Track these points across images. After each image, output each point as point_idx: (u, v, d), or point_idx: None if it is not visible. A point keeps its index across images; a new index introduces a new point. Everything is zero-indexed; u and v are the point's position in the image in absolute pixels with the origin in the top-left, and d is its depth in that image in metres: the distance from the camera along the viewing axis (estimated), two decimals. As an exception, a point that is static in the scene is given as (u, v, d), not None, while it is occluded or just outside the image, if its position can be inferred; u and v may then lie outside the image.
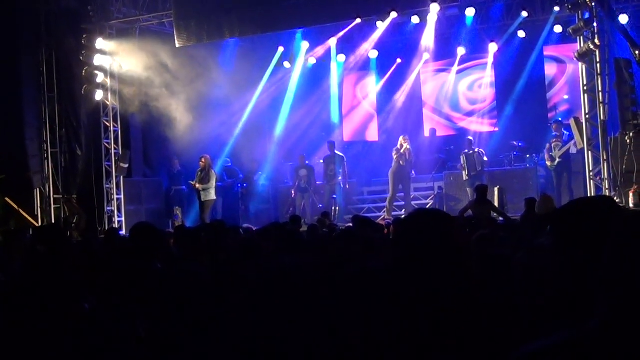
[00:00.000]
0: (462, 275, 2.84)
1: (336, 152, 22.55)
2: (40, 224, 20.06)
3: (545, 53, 23.47)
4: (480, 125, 24.47)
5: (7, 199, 20.35)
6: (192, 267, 5.48)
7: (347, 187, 22.56)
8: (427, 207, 21.91)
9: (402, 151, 21.01)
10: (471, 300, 2.80)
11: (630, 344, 1.90)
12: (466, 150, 21.26)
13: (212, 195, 20.45)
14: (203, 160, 20.59)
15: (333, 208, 21.53)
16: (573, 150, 19.61)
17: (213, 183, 20.54)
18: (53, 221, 20.71)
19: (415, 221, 3.06)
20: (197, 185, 20.29)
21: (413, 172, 21.62)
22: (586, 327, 2.01)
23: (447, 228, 2.97)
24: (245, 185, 23.57)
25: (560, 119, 21.03)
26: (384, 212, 21.67)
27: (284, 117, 24.74)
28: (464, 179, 21.01)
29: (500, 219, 15.03)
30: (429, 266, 2.84)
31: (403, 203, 21.61)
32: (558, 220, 2.24)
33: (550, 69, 23.76)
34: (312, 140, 24.33)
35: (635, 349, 1.89)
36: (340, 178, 22.16)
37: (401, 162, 21.06)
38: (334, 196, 22.11)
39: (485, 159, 21.16)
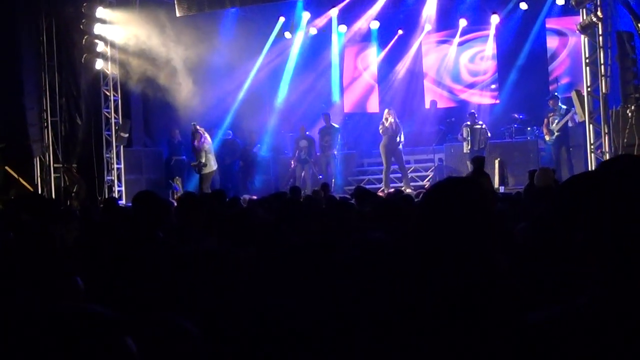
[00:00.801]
0: (490, 245, 2.80)
1: (332, 123, 22.57)
2: (40, 193, 20.04)
3: (547, 25, 23.42)
4: (481, 98, 24.48)
5: (7, 167, 20.33)
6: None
7: (338, 158, 22.66)
8: (427, 179, 22.01)
9: (386, 125, 20.90)
10: (495, 272, 2.77)
11: (618, 317, 1.98)
12: (468, 123, 21.09)
13: (211, 166, 20.46)
14: (192, 129, 20.69)
15: (332, 180, 21.55)
16: (571, 124, 19.59)
17: (206, 154, 20.54)
18: (53, 190, 20.71)
19: (447, 189, 2.96)
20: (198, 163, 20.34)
21: (401, 144, 21.29)
22: (578, 302, 2.06)
23: (478, 196, 2.90)
24: (242, 157, 23.56)
25: (556, 94, 20.96)
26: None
27: (285, 88, 24.76)
28: (465, 151, 20.91)
29: (501, 190, 15.04)
30: (458, 234, 2.77)
31: (400, 175, 21.54)
32: (559, 195, 2.18)
33: (552, 42, 23.68)
34: (313, 111, 24.26)
35: (622, 322, 1.97)
36: (335, 150, 22.20)
37: (387, 136, 20.96)
38: (329, 167, 22.13)
39: (489, 134, 21.08)
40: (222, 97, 23.02)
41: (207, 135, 20.98)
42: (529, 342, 2.07)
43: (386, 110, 21.22)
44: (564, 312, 2.07)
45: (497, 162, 19.45)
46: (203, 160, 20.40)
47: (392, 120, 20.84)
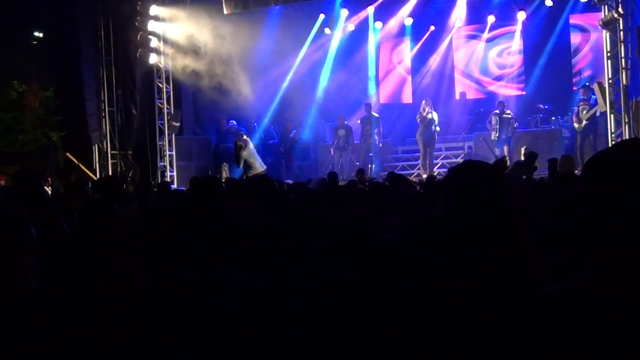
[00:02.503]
0: (512, 226, 2.84)
1: (372, 113, 22.56)
2: (97, 177, 20.29)
3: (571, 21, 23.21)
4: (508, 89, 24.29)
5: (68, 154, 20.64)
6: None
7: (381, 145, 22.51)
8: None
9: (424, 114, 20.94)
10: (520, 252, 2.79)
11: (614, 294, 1.96)
12: (497, 112, 20.90)
13: (257, 169, 20.14)
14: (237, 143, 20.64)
15: (369, 165, 21.56)
16: (597, 113, 19.46)
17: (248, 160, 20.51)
18: (110, 174, 20.95)
19: (466, 171, 2.99)
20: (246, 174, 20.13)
21: (436, 134, 21.35)
22: (577, 277, 2.06)
23: (499, 178, 2.95)
24: (280, 142, 23.68)
25: (587, 84, 20.76)
26: (417, 168, 21.79)
27: (324, 80, 24.72)
28: (493, 138, 20.83)
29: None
30: (481, 215, 2.81)
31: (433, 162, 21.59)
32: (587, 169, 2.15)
33: (575, 37, 23.48)
34: (350, 102, 24.28)
35: (619, 299, 1.95)
36: (375, 137, 22.16)
37: (423, 125, 21.00)
38: (370, 154, 22.13)
39: (516, 125, 20.99)
40: (266, 88, 23.12)
41: (249, 140, 21.07)
42: (540, 314, 2.08)
43: (424, 102, 21.20)
44: (568, 287, 2.07)
45: (523, 149, 19.38)
46: (250, 172, 20.06)
47: (429, 110, 20.87)
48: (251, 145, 20.87)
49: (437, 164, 21.60)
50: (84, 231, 4.50)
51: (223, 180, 16.54)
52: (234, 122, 22.86)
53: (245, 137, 21.15)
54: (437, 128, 21.09)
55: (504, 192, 2.93)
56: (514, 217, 2.87)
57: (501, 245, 2.77)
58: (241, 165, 20.28)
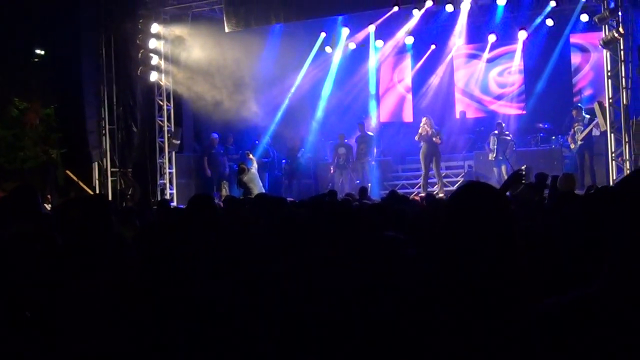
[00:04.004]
0: (514, 247, 2.86)
1: (367, 132, 22.77)
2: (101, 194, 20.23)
3: (571, 41, 23.23)
4: (508, 108, 24.30)
5: (67, 171, 20.60)
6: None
7: (374, 164, 22.71)
8: (458, 184, 21.89)
9: (422, 132, 20.84)
10: (519, 271, 2.82)
11: (627, 303, 2.00)
12: (496, 132, 21.05)
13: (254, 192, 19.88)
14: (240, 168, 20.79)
15: (369, 185, 21.51)
16: (596, 133, 19.44)
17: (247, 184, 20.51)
18: (110, 193, 20.93)
19: (469, 194, 3.02)
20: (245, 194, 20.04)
21: (438, 145, 21.22)
22: (591, 288, 2.09)
23: (501, 201, 2.98)
24: (287, 161, 23.66)
25: (579, 105, 20.80)
26: (418, 187, 21.76)
27: (325, 98, 24.74)
28: (490, 159, 20.94)
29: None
30: (481, 239, 2.83)
31: (435, 180, 21.49)
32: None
33: (576, 56, 23.52)
34: (351, 120, 24.18)
35: (631, 308, 1.99)
36: (370, 157, 22.37)
37: (424, 143, 20.93)
38: (367, 173, 22.22)
39: (514, 146, 21.07)
40: (267, 106, 23.18)
41: (254, 160, 21.13)
42: (544, 327, 2.11)
43: (424, 119, 21.14)
44: (575, 299, 2.10)
45: (523, 168, 19.34)
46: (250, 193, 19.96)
47: (428, 128, 20.78)
48: (254, 169, 20.87)
49: (435, 183, 21.42)
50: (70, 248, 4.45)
51: (222, 199, 16.56)
52: (216, 135, 22.87)
53: (250, 156, 21.20)
54: (437, 140, 20.90)
55: (506, 214, 2.93)
56: (515, 237, 2.89)
57: (501, 263, 2.79)
58: (240, 188, 20.34)
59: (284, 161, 23.71)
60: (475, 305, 2.71)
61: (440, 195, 18.44)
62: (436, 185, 21.12)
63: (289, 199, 14.85)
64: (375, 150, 22.92)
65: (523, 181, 9.79)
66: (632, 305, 1.99)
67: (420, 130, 20.84)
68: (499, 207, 2.93)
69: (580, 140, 19.68)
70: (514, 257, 2.83)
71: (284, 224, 5.65)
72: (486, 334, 2.65)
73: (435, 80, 25.13)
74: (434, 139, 20.71)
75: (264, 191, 20.02)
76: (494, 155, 20.75)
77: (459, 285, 2.76)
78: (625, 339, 1.97)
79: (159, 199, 20.41)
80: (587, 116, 19.58)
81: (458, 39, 23.88)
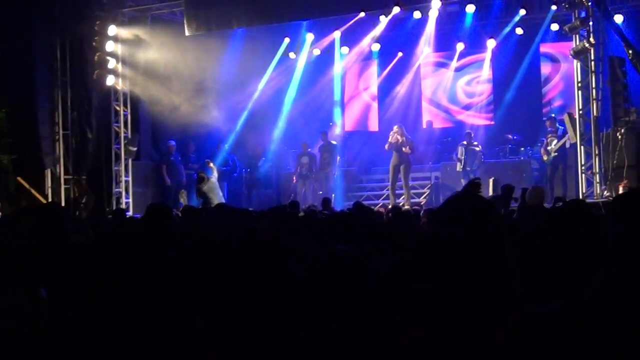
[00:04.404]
0: (502, 261, 2.87)
1: (330, 141, 22.85)
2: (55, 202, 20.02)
3: (541, 50, 23.44)
4: (476, 119, 24.48)
5: (19, 178, 20.38)
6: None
7: (336, 174, 22.69)
8: (424, 196, 22.00)
9: (391, 141, 20.83)
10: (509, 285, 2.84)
11: (613, 311, 2.14)
12: (465, 143, 21.21)
13: (214, 202, 19.46)
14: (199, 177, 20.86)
15: (332, 195, 21.52)
16: (567, 145, 19.59)
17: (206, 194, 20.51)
18: (63, 201, 20.74)
19: (456, 206, 3.07)
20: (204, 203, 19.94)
21: (408, 155, 21.00)
22: (581, 295, 2.21)
23: (489, 213, 3.00)
24: (248, 170, 23.63)
25: (553, 115, 20.99)
26: (384, 199, 21.85)
27: (288, 106, 24.71)
28: (458, 169, 21.04)
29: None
30: (469, 251, 2.85)
31: (403, 191, 21.29)
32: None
33: (545, 66, 23.73)
34: (315, 128, 24.17)
35: (618, 315, 2.13)
36: (333, 167, 22.50)
37: (394, 152, 20.90)
38: (330, 183, 22.32)
39: (482, 157, 21.19)
40: (228, 113, 23.08)
41: (214, 169, 21.12)
42: (530, 334, 2.22)
43: (395, 127, 21.07)
44: (563, 306, 2.22)
45: (491, 180, 19.47)
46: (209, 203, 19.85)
47: (399, 137, 20.72)
48: (214, 178, 20.80)
49: (402, 194, 21.39)
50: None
51: (181, 208, 16.46)
52: (173, 142, 22.77)
53: (211, 164, 21.12)
54: (407, 149, 20.80)
55: (497, 224, 2.97)
56: (504, 243, 2.90)
57: (493, 274, 2.81)
58: (199, 198, 20.28)
59: (245, 170, 23.61)
60: (467, 316, 2.73)
61: (407, 207, 18.40)
62: (402, 197, 21.06)
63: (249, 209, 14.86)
64: (338, 160, 22.88)
65: (480, 192, 9.88)
66: (621, 311, 2.10)
67: (390, 139, 20.77)
68: (490, 218, 2.96)
69: (555, 152, 19.84)
70: (506, 266, 2.84)
71: (246, 236, 5.63)
72: (479, 343, 2.67)
73: (401, 88, 25.21)
74: (403, 148, 20.69)
75: (224, 201, 19.98)
76: (462, 166, 20.86)
77: (450, 298, 2.79)
78: (614, 342, 2.06)
79: (114, 208, 20.23)
80: (562, 127, 19.69)
81: (426, 47, 24.00)
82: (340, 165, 23.34)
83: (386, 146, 20.98)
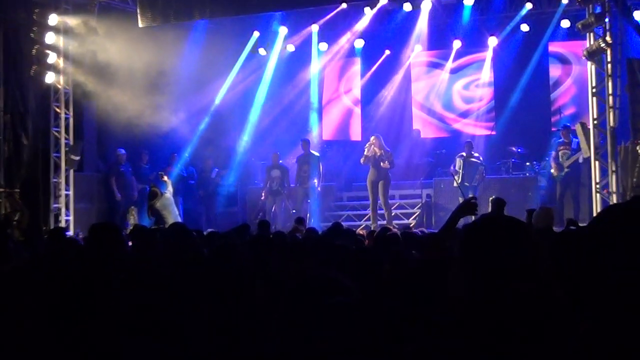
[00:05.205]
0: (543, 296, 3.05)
1: (311, 151, 22.45)
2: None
3: (550, 49, 23.51)
4: (475, 128, 24.53)
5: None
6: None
7: (320, 189, 22.38)
8: (414, 217, 21.93)
9: (368, 154, 20.69)
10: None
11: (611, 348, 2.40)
12: (464, 154, 21.01)
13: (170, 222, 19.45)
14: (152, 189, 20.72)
15: (307, 214, 21.41)
16: (580, 159, 19.51)
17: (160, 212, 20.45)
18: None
19: (488, 232, 3.20)
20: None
21: (388, 170, 20.91)
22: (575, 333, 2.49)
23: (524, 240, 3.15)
24: (200, 185, 23.65)
25: (568, 124, 20.89)
26: (366, 219, 21.90)
27: (257, 110, 24.73)
28: (455, 184, 20.48)
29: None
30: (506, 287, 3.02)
31: (384, 211, 21.18)
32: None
33: (555, 69, 23.78)
34: (288, 137, 24.18)
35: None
36: (315, 180, 22.11)
37: (372, 167, 20.77)
38: (308, 201, 22.13)
39: (484, 171, 20.95)
40: (188, 117, 23.13)
41: (169, 184, 21.00)
42: None
43: (372, 137, 20.94)
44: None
45: (491, 200, 19.45)
46: (163, 222, 19.75)
47: (377, 149, 20.59)
48: (169, 193, 20.66)
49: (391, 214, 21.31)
50: None
51: (130, 228, 16.38)
52: (123, 151, 22.60)
53: (165, 178, 20.97)
54: (386, 164, 20.63)
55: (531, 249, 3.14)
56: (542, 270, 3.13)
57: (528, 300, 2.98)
58: (151, 216, 20.14)
59: (191, 182, 23.56)
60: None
61: (394, 229, 18.27)
62: (385, 218, 20.90)
63: (208, 230, 14.81)
64: (322, 173, 22.51)
65: (476, 213, 9.82)
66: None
67: (366, 152, 20.69)
68: (524, 242, 3.12)
69: (567, 168, 19.82)
70: (542, 291, 3.03)
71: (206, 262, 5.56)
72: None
73: (389, 92, 25.32)
74: (381, 163, 20.55)
75: (180, 220, 19.84)
76: (460, 181, 20.44)
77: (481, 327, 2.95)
78: None
79: (51, 226, 20.07)
80: (576, 140, 19.52)
81: (417, 45, 24.05)
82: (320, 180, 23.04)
83: (362, 160, 20.86)
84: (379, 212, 21.14)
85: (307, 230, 13.74)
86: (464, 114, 24.90)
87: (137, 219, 21.56)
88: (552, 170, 20.28)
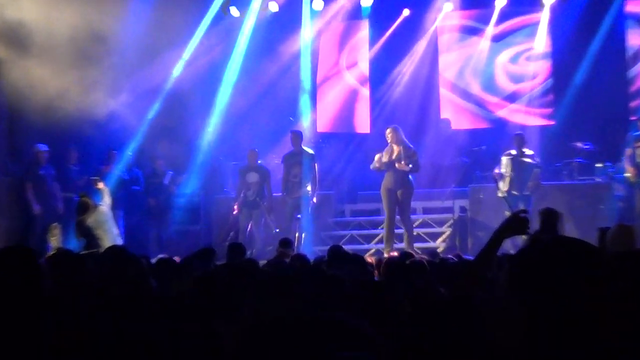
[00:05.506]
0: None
1: (303, 147, 22.08)
2: None
3: (628, 9, 23.43)
4: (527, 116, 24.53)
5: None
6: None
7: (314, 201, 21.90)
8: (442, 238, 21.81)
9: (388, 156, 20.24)
10: None
11: None
12: (512, 152, 20.78)
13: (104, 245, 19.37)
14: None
15: (296, 235, 21.14)
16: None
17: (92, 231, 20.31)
18: None
19: (548, 261, 3.24)
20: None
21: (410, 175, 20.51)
22: None
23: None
24: (150, 193, 23.47)
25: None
26: (378, 242, 21.83)
27: (227, 93, 24.76)
28: (500, 194, 20.32)
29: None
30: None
31: (402, 230, 20.81)
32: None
33: (634, 36, 23.67)
34: (270, 128, 24.21)
35: None
36: (308, 188, 21.82)
37: (390, 172, 20.29)
38: (298, 216, 21.74)
39: (540, 178, 20.68)
40: (131, 101, 22.83)
41: (105, 192, 20.84)
42: None
43: (388, 130, 20.51)
44: None
45: (541, 212, 19.32)
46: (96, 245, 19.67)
47: (395, 146, 20.22)
48: (105, 205, 20.48)
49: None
50: None
51: (51, 253, 16.24)
52: (44, 147, 22.34)
53: (100, 185, 20.72)
54: (403, 165, 20.13)
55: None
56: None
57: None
58: (81, 237, 19.97)
59: (136, 187, 23.35)
60: None
61: (418, 255, 18.03)
62: (404, 240, 20.65)
63: (159, 256, 14.67)
64: (317, 177, 22.05)
65: (528, 232, 9.70)
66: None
67: (383, 158, 20.24)
68: (598, 273, 3.21)
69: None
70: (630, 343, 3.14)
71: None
72: None
73: (408, 67, 25.38)
74: (396, 164, 20.14)
75: (119, 242, 19.81)
76: (507, 187, 20.40)
77: None
78: None
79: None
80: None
81: (447, 2, 24.03)
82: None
83: (374, 165, 20.38)
84: (396, 231, 20.86)
85: (294, 258, 13.52)
86: (512, 97, 24.90)
87: (60, 240, 21.42)
88: (628, 175, 20.22)
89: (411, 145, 20.49)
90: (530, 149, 21.09)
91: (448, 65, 25.41)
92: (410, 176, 20.37)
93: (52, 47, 21.00)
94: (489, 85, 25.04)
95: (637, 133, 20.30)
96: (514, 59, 24.79)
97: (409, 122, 23.39)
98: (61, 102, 20.92)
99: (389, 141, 20.28)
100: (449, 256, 14.63)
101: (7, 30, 20.84)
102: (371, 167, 20.59)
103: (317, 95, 25.83)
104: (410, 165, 20.14)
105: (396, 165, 20.00)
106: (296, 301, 6.48)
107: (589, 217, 19.39)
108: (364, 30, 25.69)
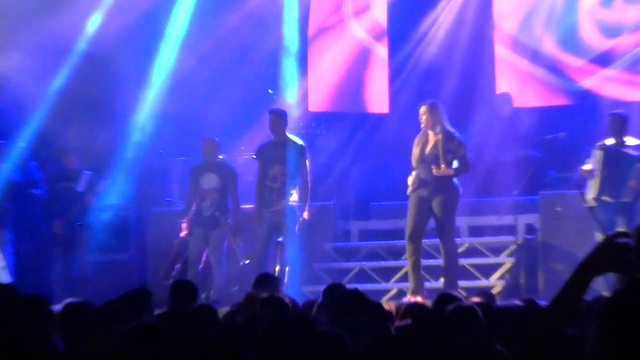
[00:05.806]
0: None
1: (288, 135, 21.70)
2: None
3: None
4: (627, 88, 24.18)
5: None
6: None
7: (306, 216, 21.54)
8: (501, 273, 21.10)
9: (426, 148, 19.84)
10: None
11: None
12: (607, 143, 20.24)
13: None
14: None
15: (276, 268, 20.72)
16: None
17: None
18: None
19: None
20: None
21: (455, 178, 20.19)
22: None
23: None
24: (56, 206, 23.06)
25: None
26: (396, 281, 21.34)
27: (172, 56, 24.77)
28: (590, 204, 19.85)
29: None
30: None
31: (442, 260, 20.27)
32: None
33: None
34: (237, 106, 24.19)
35: None
36: (294, 197, 21.31)
37: (425, 171, 19.86)
38: (279, 239, 21.34)
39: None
40: (26, 66, 22.94)
41: None
42: None
43: (422, 109, 19.93)
44: None
45: (635, 232, 18.64)
46: None
47: (435, 134, 19.72)
48: None
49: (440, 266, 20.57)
50: None
51: None
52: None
53: None
54: (444, 168, 19.61)
55: None
56: None
57: None
58: None
59: (36, 191, 23.00)
60: None
61: (464, 299, 17.32)
62: (442, 278, 20.23)
63: (66, 300, 14.13)
64: (309, 180, 21.62)
65: (632, 265, 9.10)
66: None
67: (418, 143, 19.91)
68: None
69: None
70: None
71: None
72: None
73: (445, 16, 25.08)
74: (434, 170, 19.62)
75: (5, 278, 19.79)
76: (595, 192, 19.91)
77: None
78: None
79: None
80: None
81: None
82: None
83: (415, 160, 19.91)
84: (429, 261, 20.51)
85: (265, 303, 12.71)
86: (604, 59, 24.57)
87: None
88: None
89: (456, 133, 19.84)
90: (632, 138, 20.45)
91: (506, 12, 24.84)
92: (455, 180, 19.85)
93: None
94: (570, 41, 24.64)
95: None
96: (606, 2, 24.16)
97: (448, 98, 22.90)
98: None
99: (422, 126, 19.80)
100: (511, 301, 14.01)
101: None
102: (408, 192, 19.95)
103: (308, 56, 25.29)
104: (456, 167, 19.60)
105: (434, 170, 19.40)
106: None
107: None
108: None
